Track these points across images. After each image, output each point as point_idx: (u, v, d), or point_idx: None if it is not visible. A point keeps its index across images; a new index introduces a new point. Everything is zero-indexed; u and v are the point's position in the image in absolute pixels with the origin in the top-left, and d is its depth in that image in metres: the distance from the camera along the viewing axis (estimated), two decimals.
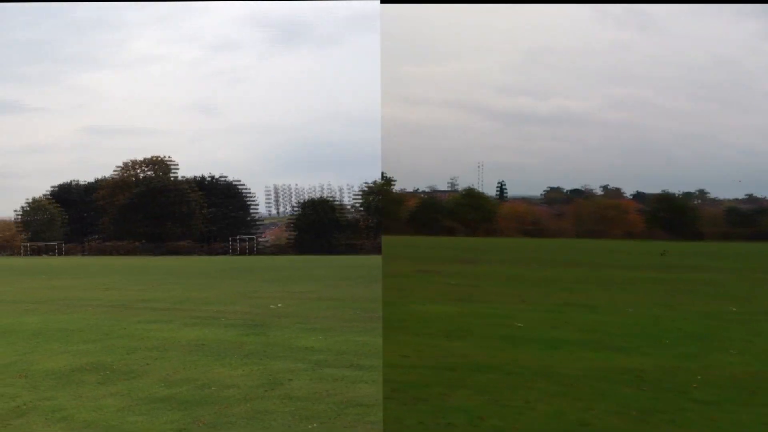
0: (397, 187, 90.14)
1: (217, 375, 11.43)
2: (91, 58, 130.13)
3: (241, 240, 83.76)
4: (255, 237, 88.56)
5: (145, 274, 40.58)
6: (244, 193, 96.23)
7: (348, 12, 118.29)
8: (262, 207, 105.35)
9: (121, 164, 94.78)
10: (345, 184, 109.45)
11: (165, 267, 49.82)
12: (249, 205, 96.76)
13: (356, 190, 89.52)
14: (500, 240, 71.47)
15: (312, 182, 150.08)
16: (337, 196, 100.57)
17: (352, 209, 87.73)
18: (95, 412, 9.21)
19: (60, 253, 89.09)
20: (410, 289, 22.31)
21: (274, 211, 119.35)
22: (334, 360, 12.53)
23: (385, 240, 64.76)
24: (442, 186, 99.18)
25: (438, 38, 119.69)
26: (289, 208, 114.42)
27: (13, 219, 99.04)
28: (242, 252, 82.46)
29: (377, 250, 69.24)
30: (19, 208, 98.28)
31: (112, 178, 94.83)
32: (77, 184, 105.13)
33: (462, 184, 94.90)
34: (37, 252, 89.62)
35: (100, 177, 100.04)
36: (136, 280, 35.59)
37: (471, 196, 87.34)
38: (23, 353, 13.60)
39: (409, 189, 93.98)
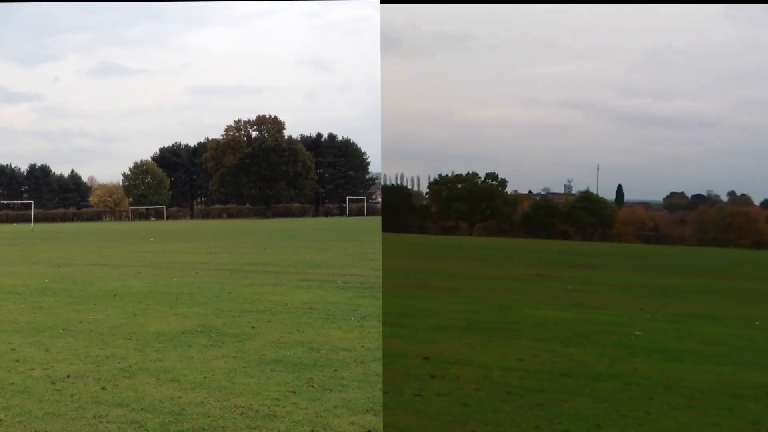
0: (510, 188, 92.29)
1: (330, 338, 11.99)
2: (194, 16, 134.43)
3: (355, 201, 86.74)
4: (368, 198, 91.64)
5: (254, 237, 42.18)
6: (362, 151, 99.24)
7: (433, 30, 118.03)
8: (376, 166, 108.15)
9: (231, 124, 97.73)
10: (417, 175, 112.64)
11: (276, 229, 51.65)
12: (367, 164, 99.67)
13: (431, 180, 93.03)
14: (617, 246, 71.56)
15: (392, 171, 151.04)
16: (411, 185, 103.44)
17: (426, 195, 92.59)
18: (205, 373, 9.69)
19: (166, 217, 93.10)
20: (523, 292, 22.73)
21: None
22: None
23: (493, 242, 65.77)
24: (557, 188, 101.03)
25: (554, 37, 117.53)
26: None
27: (118, 183, 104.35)
28: (358, 213, 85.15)
29: (445, 231, 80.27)
30: (124, 172, 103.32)
31: (221, 139, 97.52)
32: (183, 147, 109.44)
33: (578, 187, 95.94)
34: (142, 216, 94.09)
35: (206, 138, 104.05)
36: (245, 243, 37.09)
37: (587, 199, 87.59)
38: (131, 316, 14.45)
39: (523, 191, 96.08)
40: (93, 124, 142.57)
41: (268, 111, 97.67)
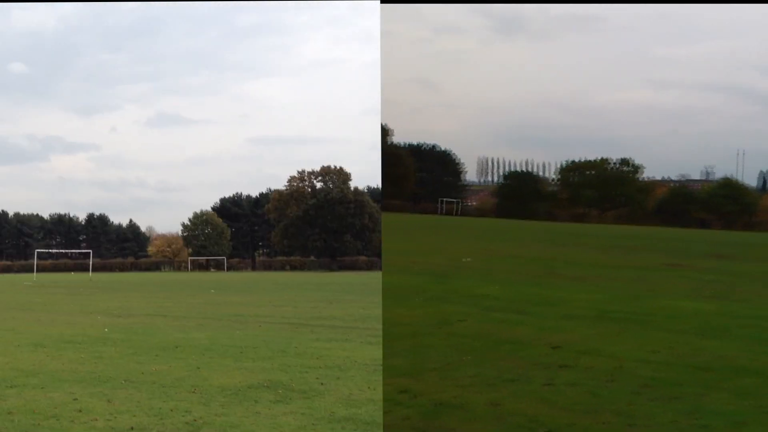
0: (644, 174, 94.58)
1: (394, 315, 13.65)
2: (254, 65, 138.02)
3: (448, 202, 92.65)
4: (461, 201, 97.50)
5: (319, 290, 42.52)
6: (458, 161, 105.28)
7: (560, 12, 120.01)
8: (470, 175, 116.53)
9: (294, 175, 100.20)
10: (546, 162, 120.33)
11: (341, 283, 52.04)
12: (460, 173, 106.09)
13: (558, 166, 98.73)
14: (761, 235, 71.01)
15: (517, 157, 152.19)
16: (540, 172, 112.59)
17: (553, 182, 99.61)
18: (273, 429, 9.81)
19: (226, 268, 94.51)
20: (657, 282, 22.99)
21: (480, 179, 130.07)
22: (504, 306, 16.08)
23: (626, 230, 65.46)
24: (695, 175, 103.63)
25: (690, 15, 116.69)
26: (496, 179, 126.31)
27: (178, 233, 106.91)
28: (449, 213, 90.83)
29: (574, 219, 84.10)
30: (183, 222, 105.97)
31: (284, 190, 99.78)
32: (244, 197, 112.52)
33: (718, 173, 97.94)
34: (202, 267, 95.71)
35: (269, 189, 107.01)
36: (310, 296, 37.39)
37: (728, 186, 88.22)
38: (194, 368, 14.65)
39: (658, 177, 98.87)
40: (151, 174, 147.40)
41: (333, 162, 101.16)
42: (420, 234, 42.40)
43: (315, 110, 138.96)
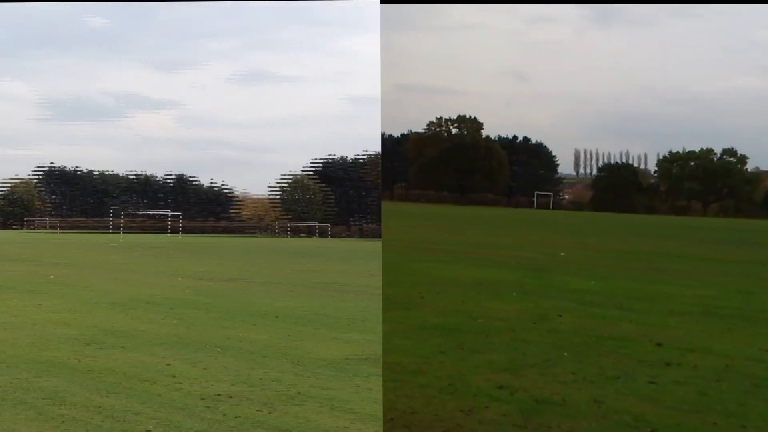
0: (750, 165, 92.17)
1: (488, 309, 13.21)
2: (346, 23, 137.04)
3: (542, 195, 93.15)
4: (555, 194, 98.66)
5: (446, 221, 43.58)
6: (552, 154, 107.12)
7: None
8: (564, 168, 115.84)
9: (433, 120, 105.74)
10: (644, 153, 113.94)
11: (466, 215, 53.31)
12: (555, 165, 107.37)
13: (658, 158, 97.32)
14: None
15: (614, 149, 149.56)
16: (637, 163, 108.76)
17: (652, 174, 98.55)
18: (373, 404, 9.57)
19: (319, 234, 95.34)
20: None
21: (576, 172, 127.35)
22: (603, 301, 15.86)
23: (731, 223, 63.72)
24: None
25: None
26: (591, 171, 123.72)
27: (267, 196, 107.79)
28: (543, 207, 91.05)
29: (675, 212, 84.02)
30: (272, 184, 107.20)
31: (423, 132, 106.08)
32: (337, 160, 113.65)
33: None
34: (293, 231, 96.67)
35: (409, 131, 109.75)
36: (436, 225, 38.43)
37: None
38: (292, 338, 14.57)
39: (766, 167, 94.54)
40: (238, 134, 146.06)
41: (470, 112, 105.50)
42: (514, 228, 42.18)
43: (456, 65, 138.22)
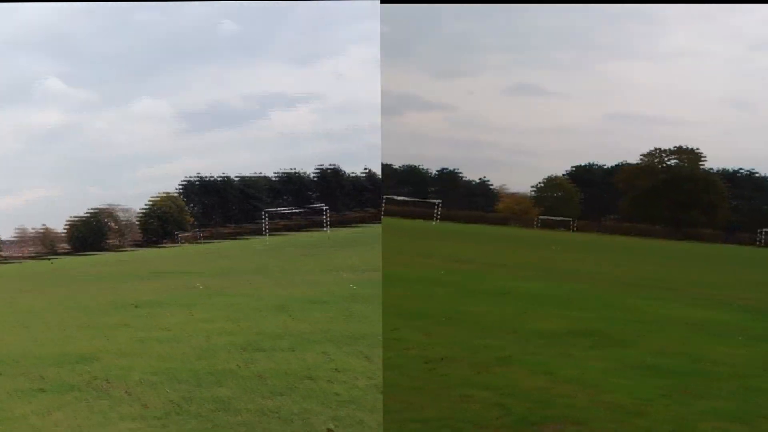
0: None
1: (713, 352, 11.82)
2: (620, 48, 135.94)
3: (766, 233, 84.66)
4: None
5: (660, 256, 41.50)
6: None
7: None
8: None
9: (646, 150, 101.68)
10: None
11: (680, 251, 50.47)
12: None
13: None
14: None
15: None
16: None
17: None
18: (579, 370, 10.02)
19: (572, 229, 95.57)
20: None
21: None
22: None
23: None
24: None
25: None
26: None
27: (528, 194, 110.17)
28: None
29: None
30: (535, 184, 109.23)
31: (636, 163, 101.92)
32: (597, 167, 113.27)
33: None
34: (548, 226, 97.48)
35: (621, 162, 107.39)
36: (649, 260, 36.64)
37: None
38: (517, 313, 15.15)
39: None
40: (505, 138, 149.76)
41: (687, 143, 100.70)
42: (736, 266, 38.12)
43: (673, 94, 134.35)
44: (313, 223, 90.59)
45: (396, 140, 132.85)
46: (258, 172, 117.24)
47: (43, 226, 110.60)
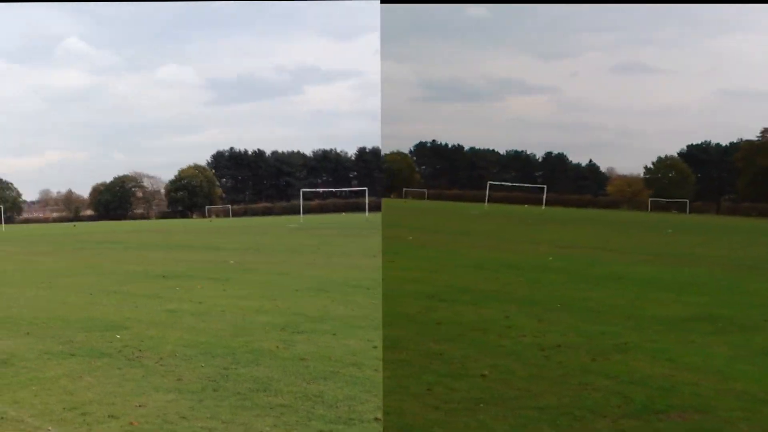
0: None
1: None
2: (729, 22, 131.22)
3: None
4: None
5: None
6: None
7: None
8: None
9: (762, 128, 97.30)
10: None
11: None
12: None
13: None
14: None
15: None
16: None
17: None
18: (702, 357, 9.76)
19: (687, 211, 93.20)
20: None
21: None
22: None
23: None
24: None
25: None
26: None
27: (639, 176, 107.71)
28: None
29: None
30: (646, 166, 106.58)
31: (755, 140, 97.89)
32: (713, 145, 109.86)
33: None
34: (662, 208, 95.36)
35: (740, 139, 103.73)
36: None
37: None
38: (632, 299, 14.89)
39: None
40: (611, 119, 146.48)
41: None
42: None
43: None
44: (350, 204, 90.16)
45: (496, 127, 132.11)
46: (293, 149, 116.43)
47: (68, 189, 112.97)
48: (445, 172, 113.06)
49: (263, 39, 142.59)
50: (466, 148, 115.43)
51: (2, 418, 7.38)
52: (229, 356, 9.94)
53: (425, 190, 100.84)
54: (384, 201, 75.94)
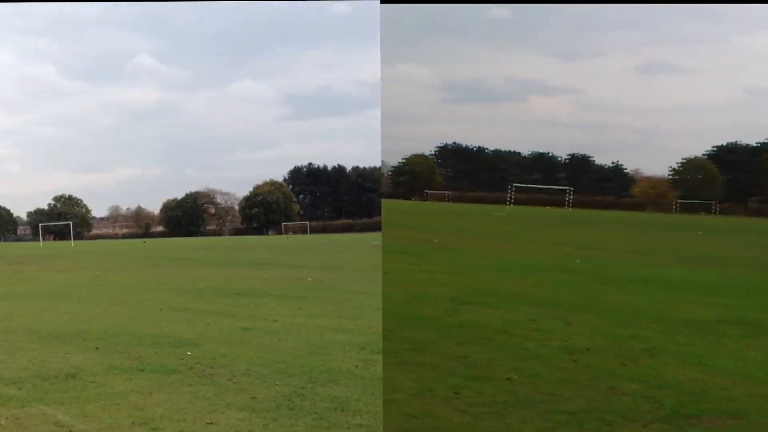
0: None
1: None
2: (755, 20, 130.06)
3: None
4: None
5: None
6: None
7: None
8: None
9: None
10: None
11: None
12: None
13: None
14: None
15: None
16: None
17: None
18: (735, 361, 9.62)
19: (714, 213, 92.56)
20: None
21: None
22: None
23: None
24: None
25: None
26: None
27: (664, 176, 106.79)
28: None
29: None
30: (672, 167, 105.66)
31: None
32: (741, 146, 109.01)
33: None
34: (688, 209, 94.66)
35: (766, 139, 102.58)
36: None
37: None
38: (660, 301, 14.72)
39: None
40: (636, 119, 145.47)
41: None
42: None
43: None
44: (555, 200, 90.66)
45: (519, 128, 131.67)
46: (512, 149, 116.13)
47: (138, 206, 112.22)
48: (467, 174, 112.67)
49: (341, 52, 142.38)
50: (489, 149, 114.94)
51: (70, 431, 7.37)
52: (305, 375, 9.77)
53: (447, 192, 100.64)
54: (403, 204, 76.04)
